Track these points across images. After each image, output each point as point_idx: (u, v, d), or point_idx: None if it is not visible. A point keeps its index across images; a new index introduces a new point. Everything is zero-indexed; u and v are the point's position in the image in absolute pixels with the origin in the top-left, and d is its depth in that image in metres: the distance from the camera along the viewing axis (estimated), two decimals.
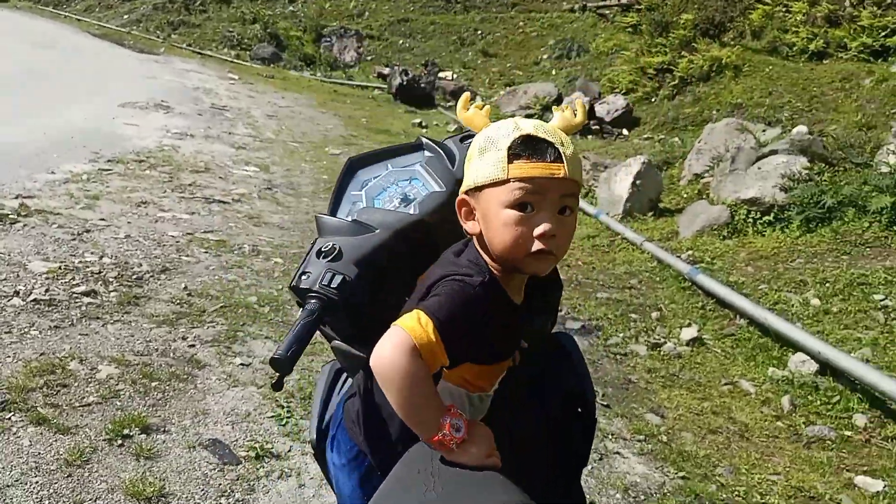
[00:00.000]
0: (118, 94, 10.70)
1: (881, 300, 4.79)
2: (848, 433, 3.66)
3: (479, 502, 1.25)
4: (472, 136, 1.77)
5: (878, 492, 3.20)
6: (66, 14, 23.04)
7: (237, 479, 2.83)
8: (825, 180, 6.00)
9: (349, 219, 1.59)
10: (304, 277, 1.51)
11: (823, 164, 6.29)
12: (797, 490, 3.19)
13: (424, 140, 1.76)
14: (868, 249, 5.41)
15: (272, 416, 3.30)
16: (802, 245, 5.68)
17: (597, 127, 11.89)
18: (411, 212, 1.60)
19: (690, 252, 5.99)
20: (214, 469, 2.87)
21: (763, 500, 3.10)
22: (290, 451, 3.07)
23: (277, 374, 1.43)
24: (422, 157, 1.74)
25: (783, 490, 3.18)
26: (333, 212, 1.63)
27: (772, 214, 6.09)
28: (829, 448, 3.54)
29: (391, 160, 1.73)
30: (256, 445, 3.05)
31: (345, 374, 1.88)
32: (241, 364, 3.72)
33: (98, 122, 8.69)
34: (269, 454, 3.02)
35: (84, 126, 8.27)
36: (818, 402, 3.91)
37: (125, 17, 22.64)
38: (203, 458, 2.92)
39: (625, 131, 11.95)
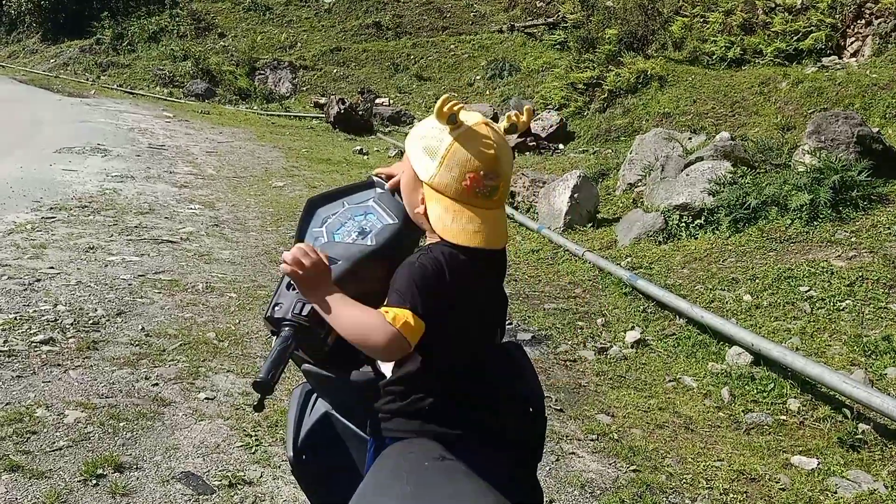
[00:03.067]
0: (52, 139, 10.63)
1: (806, 291, 5.12)
2: (783, 417, 3.93)
3: (448, 493, 1.43)
4: None
5: (812, 469, 3.46)
6: None
7: None
8: (748, 182, 6.36)
9: None
10: (276, 308, 1.69)
11: (746, 168, 6.66)
12: (739, 473, 3.43)
13: (375, 178, 1.95)
14: (792, 245, 5.76)
15: (241, 446, 3.41)
16: (732, 245, 6.01)
17: (533, 143, 12.22)
18: (368, 243, 1.78)
19: (629, 259, 6.27)
20: (190, 500, 2.98)
21: (709, 486, 3.33)
22: (261, 476, 3.19)
23: (259, 395, 1.59)
24: (374, 193, 1.92)
25: (726, 474, 3.42)
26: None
27: (702, 218, 6.42)
28: (767, 433, 3.81)
29: (347, 197, 1.91)
30: (229, 474, 3.16)
31: (315, 395, 2.03)
32: (206, 398, 3.82)
33: (35, 170, 8.65)
34: (242, 481, 3.13)
35: (21, 175, 8.23)
36: (755, 391, 4.18)
37: (51, 61, 22.37)
38: (178, 491, 3.03)
39: (560, 146, 12.31)
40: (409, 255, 1.92)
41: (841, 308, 4.87)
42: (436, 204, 1.59)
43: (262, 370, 1.56)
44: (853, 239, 5.61)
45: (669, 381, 4.40)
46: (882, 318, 4.71)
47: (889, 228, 5.61)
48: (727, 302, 5.25)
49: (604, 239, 7.13)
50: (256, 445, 3.43)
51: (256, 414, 3.66)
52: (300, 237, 1.82)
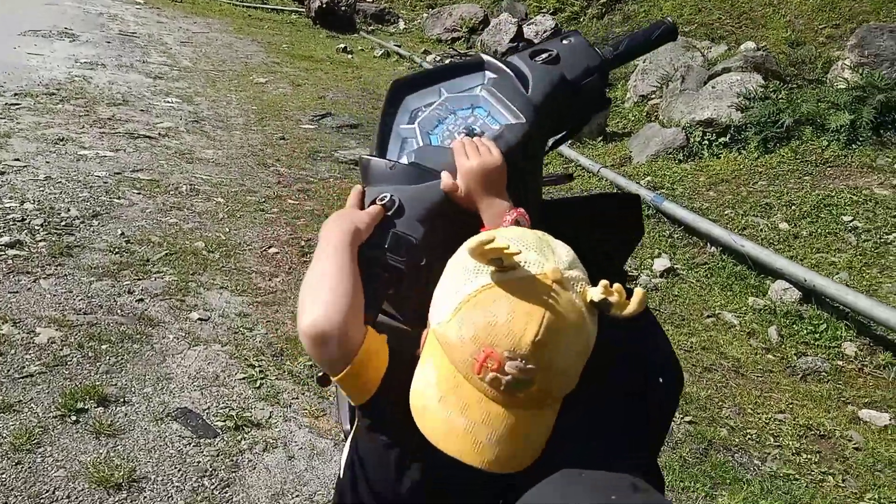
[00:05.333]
0: (16, 22, 9.69)
1: (850, 221, 4.72)
2: (840, 363, 3.58)
3: None
4: (545, 51, 1.45)
5: (885, 425, 3.13)
6: None
7: (218, 456, 2.51)
8: (782, 98, 5.87)
9: (404, 161, 1.27)
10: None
11: (778, 82, 6.16)
12: (806, 429, 3.08)
13: (486, 58, 1.42)
14: (830, 169, 5.33)
15: (244, 378, 2.96)
16: (762, 167, 5.57)
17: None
18: None
19: (649, 178, 5.81)
20: (190, 445, 2.54)
21: (777, 443, 2.98)
22: (270, 417, 2.76)
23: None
24: (483, 78, 1.41)
25: (792, 430, 3.07)
26: (382, 152, 1.30)
27: (728, 135, 5.94)
28: (825, 380, 3.45)
29: (445, 83, 1.40)
30: (233, 413, 2.72)
31: None
32: (200, 319, 3.34)
33: None
34: (249, 423, 2.70)
35: None
36: (805, 332, 3.82)
37: None
38: (174, 433, 2.58)
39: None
40: (537, 171, 1.43)
41: (889, 241, 4.49)
42: (429, 363, 1.02)
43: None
44: None
45: (708, 316, 4.00)
46: None
47: None
48: (762, 229, 4.84)
49: (616, 155, 6.63)
50: (261, 378, 2.98)
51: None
52: (383, 137, 1.31)
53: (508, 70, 1.40)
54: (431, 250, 1.16)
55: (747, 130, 5.84)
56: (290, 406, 2.83)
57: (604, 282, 0.97)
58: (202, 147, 5.94)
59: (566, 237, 1.09)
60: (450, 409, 0.97)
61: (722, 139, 5.97)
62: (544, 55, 1.42)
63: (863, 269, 4.29)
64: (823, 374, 3.48)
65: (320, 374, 1.16)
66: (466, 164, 1.18)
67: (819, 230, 4.70)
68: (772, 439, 3.00)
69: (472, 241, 0.94)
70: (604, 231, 1.55)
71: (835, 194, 4.99)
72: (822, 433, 3.06)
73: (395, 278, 1.15)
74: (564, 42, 1.45)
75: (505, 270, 0.96)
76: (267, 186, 5.29)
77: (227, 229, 4.39)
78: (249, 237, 4.35)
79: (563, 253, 1.00)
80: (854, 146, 5.43)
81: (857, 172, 5.22)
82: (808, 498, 2.73)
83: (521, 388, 0.94)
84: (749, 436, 3.00)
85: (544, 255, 0.97)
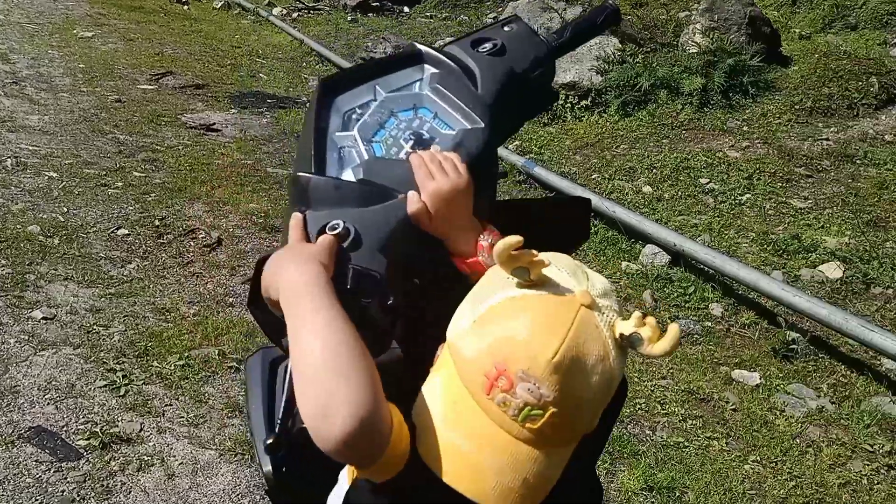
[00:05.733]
0: None
1: (706, 184, 4.89)
2: (709, 324, 3.69)
3: None
4: (487, 39, 1.28)
5: (756, 385, 3.25)
6: None
7: (84, 481, 2.20)
8: (638, 62, 5.98)
9: (350, 177, 1.07)
10: None
11: (634, 45, 6.26)
12: (688, 394, 3.14)
13: (424, 49, 1.23)
14: (685, 132, 5.49)
15: (105, 386, 2.64)
16: (623, 130, 5.66)
17: (377, 4, 11.21)
18: None
19: (517, 143, 5.77)
20: (49, 470, 2.21)
21: (665, 410, 3.02)
22: (141, 430, 2.46)
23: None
24: (422, 73, 1.22)
25: (676, 396, 3.12)
26: (320, 167, 1.07)
27: (589, 98, 5.99)
28: (698, 342, 3.55)
29: (380, 80, 1.19)
30: (97, 429, 2.41)
31: (288, 366, 1.38)
32: (44, 318, 2.95)
33: None
34: (117, 439, 2.39)
35: None
36: (675, 295, 3.91)
37: None
38: (30, 457, 2.25)
39: (406, 8, 11.38)
40: (490, 178, 1.27)
41: (742, 202, 4.69)
42: (437, 379, 0.91)
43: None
44: (745, 128, 5.43)
45: None
46: (783, 213, 4.58)
47: (779, 118, 5.48)
48: (627, 193, 4.92)
49: None
50: (125, 384, 2.66)
51: (123, 351, 2.86)
52: (318, 149, 1.09)
53: (452, 64, 1.23)
54: (395, 285, 0.97)
55: (608, 94, 5.91)
56: (163, 415, 2.54)
57: (637, 313, 0.87)
58: (25, 112, 5.31)
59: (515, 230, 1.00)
60: (453, 431, 0.86)
61: (584, 102, 6.01)
62: (488, 45, 1.26)
63: (721, 230, 4.45)
64: (696, 336, 3.58)
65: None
66: (433, 186, 1.01)
67: (679, 193, 4.83)
68: (659, 407, 3.04)
69: (500, 244, 0.84)
70: (550, 235, 1.43)
71: (691, 157, 5.15)
72: (702, 396, 3.14)
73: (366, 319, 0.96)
74: (506, 29, 1.29)
75: (532, 285, 0.87)
76: (106, 157, 4.79)
77: (66, 209, 3.92)
78: (93, 217, 3.91)
79: (597, 280, 0.91)
80: (706, 109, 5.62)
81: (710, 135, 5.42)
82: (698, 465, 2.79)
83: (531, 417, 0.83)
84: (639, 405, 3.02)
85: (577, 277, 0.89)
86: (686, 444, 2.90)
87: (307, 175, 1.05)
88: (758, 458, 2.88)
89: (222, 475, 2.32)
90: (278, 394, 1.29)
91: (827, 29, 7.03)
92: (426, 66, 1.21)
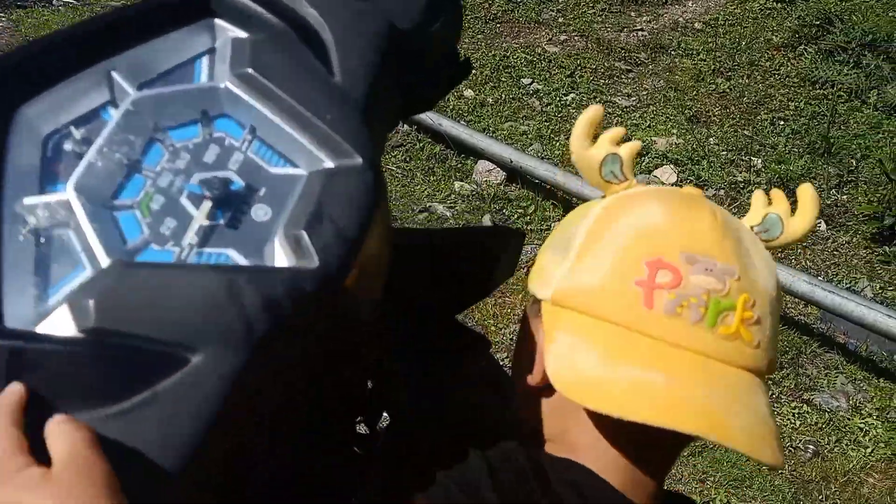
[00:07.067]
0: None
1: (529, 84, 4.61)
2: None
3: None
4: None
5: None
6: None
7: None
8: None
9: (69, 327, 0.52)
10: None
11: None
12: None
13: None
14: (500, 26, 5.14)
15: None
16: None
17: None
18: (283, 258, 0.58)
19: None
20: None
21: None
22: None
23: None
24: (212, 38, 0.66)
25: None
26: None
27: None
28: None
29: (116, 58, 0.61)
30: None
31: None
32: None
33: None
34: None
35: None
36: (516, 216, 3.67)
37: None
38: None
39: None
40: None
41: (568, 103, 4.48)
42: (567, 337, 0.64)
43: None
44: (560, 20, 5.16)
45: (420, 211, 3.66)
46: (610, 113, 4.42)
47: (593, 7, 5.26)
48: (448, 99, 4.52)
49: None
50: None
51: None
52: None
53: (273, 17, 0.65)
54: None
55: None
56: None
57: (759, 192, 0.69)
58: None
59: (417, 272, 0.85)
60: (633, 370, 0.60)
61: None
62: None
63: (552, 136, 4.22)
64: None
65: None
66: None
67: (503, 96, 4.53)
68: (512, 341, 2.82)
69: (582, 120, 0.70)
70: (465, 273, 1.02)
71: (510, 54, 4.83)
72: None
73: None
74: None
75: (627, 182, 0.70)
76: None
77: None
78: None
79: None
80: (518, 0, 5.28)
81: (525, 29, 5.11)
82: None
83: (722, 315, 0.60)
84: (501, 361, 2.78)
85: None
86: None
87: None
88: None
89: None
90: None
91: None
92: (218, 22, 0.66)
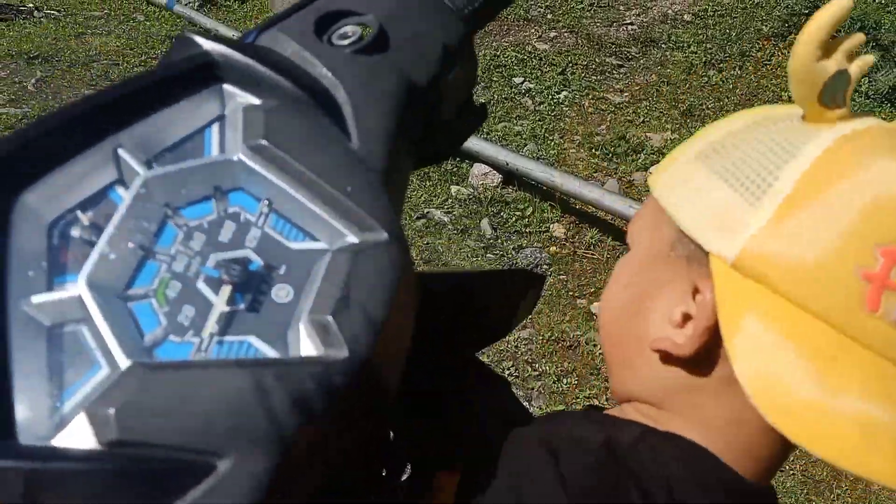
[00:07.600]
0: None
1: (522, 83, 4.59)
2: (554, 249, 3.47)
3: None
4: (347, 13, 0.63)
5: None
6: None
7: None
8: None
9: (90, 440, 0.49)
10: None
11: None
12: (554, 343, 2.93)
13: (216, 48, 0.57)
14: (488, 24, 5.10)
15: None
16: None
17: None
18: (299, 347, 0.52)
19: None
20: None
21: (537, 371, 2.78)
22: None
23: None
24: (221, 105, 0.59)
25: (543, 348, 2.90)
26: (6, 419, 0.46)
27: None
28: (548, 273, 3.32)
29: (122, 134, 0.55)
30: None
31: None
32: None
33: None
34: None
35: None
36: (514, 219, 3.64)
37: None
38: None
39: None
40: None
41: (561, 101, 4.45)
42: (764, 331, 0.47)
43: None
44: (549, 16, 5.13)
45: (418, 217, 3.63)
46: (603, 110, 4.40)
47: (581, 3, 5.23)
48: None
49: (262, 14, 5.77)
50: None
51: None
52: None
53: (285, 81, 0.59)
54: None
55: None
56: None
57: None
58: None
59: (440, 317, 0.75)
60: (838, 393, 0.46)
61: None
62: (350, 29, 0.62)
63: (546, 135, 4.20)
64: (544, 266, 3.35)
65: None
66: None
67: (496, 96, 4.50)
68: (530, 369, 2.80)
69: (813, 25, 0.53)
70: (490, 313, 1.00)
71: (500, 52, 4.80)
72: (569, 343, 2.94)
73: None
74: None
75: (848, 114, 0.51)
76: None
77: None
78: None
79: None
80: None
81: (514, 26, 5.07)
82: None
83: None
84: (507, 370, 2.76)
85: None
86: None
87: None
88: None
89: None
90: None
91: None
92: (227, 88, 0.61)
